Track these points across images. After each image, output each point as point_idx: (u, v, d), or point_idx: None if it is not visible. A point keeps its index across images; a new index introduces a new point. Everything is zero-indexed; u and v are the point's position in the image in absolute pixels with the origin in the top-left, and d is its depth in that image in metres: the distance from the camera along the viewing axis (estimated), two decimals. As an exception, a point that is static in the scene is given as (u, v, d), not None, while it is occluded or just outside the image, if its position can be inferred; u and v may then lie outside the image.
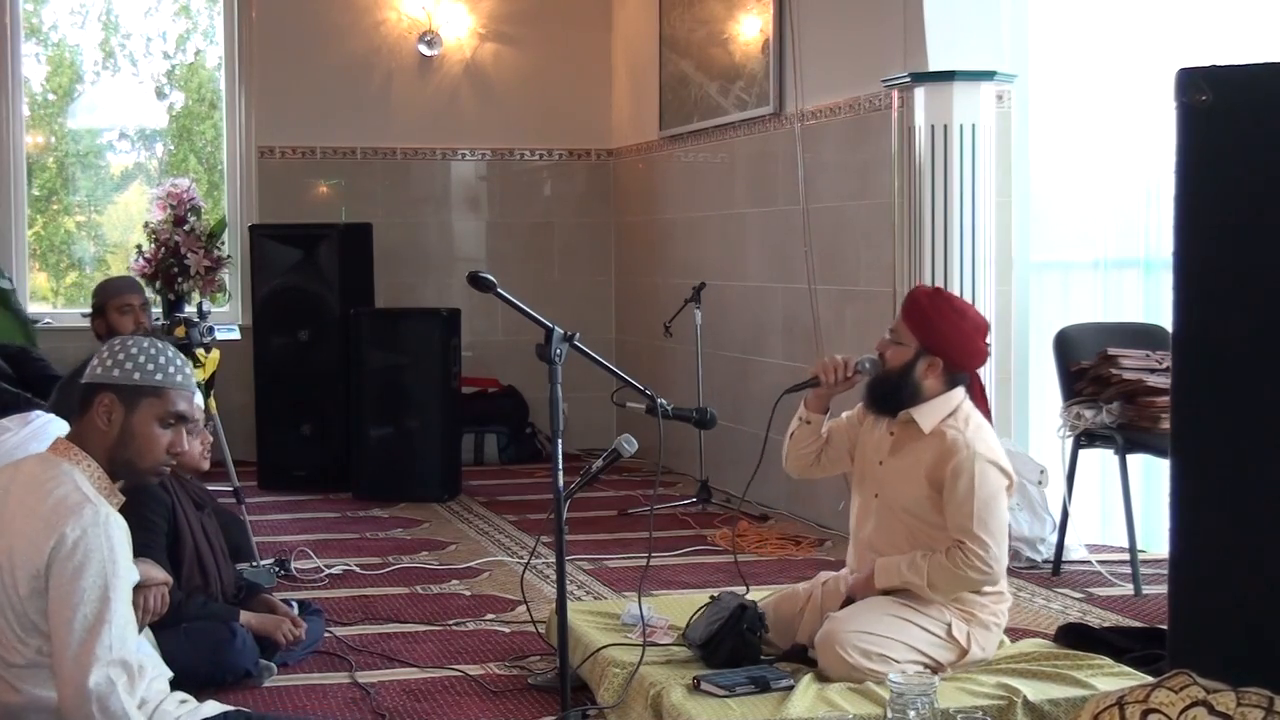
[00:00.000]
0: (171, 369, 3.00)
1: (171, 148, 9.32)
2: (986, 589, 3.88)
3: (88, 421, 2.98)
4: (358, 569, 5.78)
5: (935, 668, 3.77)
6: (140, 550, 3.52)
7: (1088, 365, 5.55)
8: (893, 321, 4.04)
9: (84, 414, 2.98)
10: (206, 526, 4.43)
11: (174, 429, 3.01)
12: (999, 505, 3.82)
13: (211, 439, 4.72)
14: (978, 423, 3.91)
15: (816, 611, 4.00)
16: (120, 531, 2.89)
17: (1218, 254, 2.78)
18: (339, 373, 7.69)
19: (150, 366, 2.97)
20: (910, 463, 3.91)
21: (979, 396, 4.02)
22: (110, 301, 5.73)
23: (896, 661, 3.70)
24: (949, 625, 3.84)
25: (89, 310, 6.07)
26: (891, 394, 3.93)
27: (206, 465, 4.48)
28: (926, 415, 3.90)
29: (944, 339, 3.91)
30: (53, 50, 9.07)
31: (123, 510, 3.02)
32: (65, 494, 2.87)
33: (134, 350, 2.98)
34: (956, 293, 5.72)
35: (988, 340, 4.05)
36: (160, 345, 3.02)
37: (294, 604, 4.61)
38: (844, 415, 4.15)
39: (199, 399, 4.51)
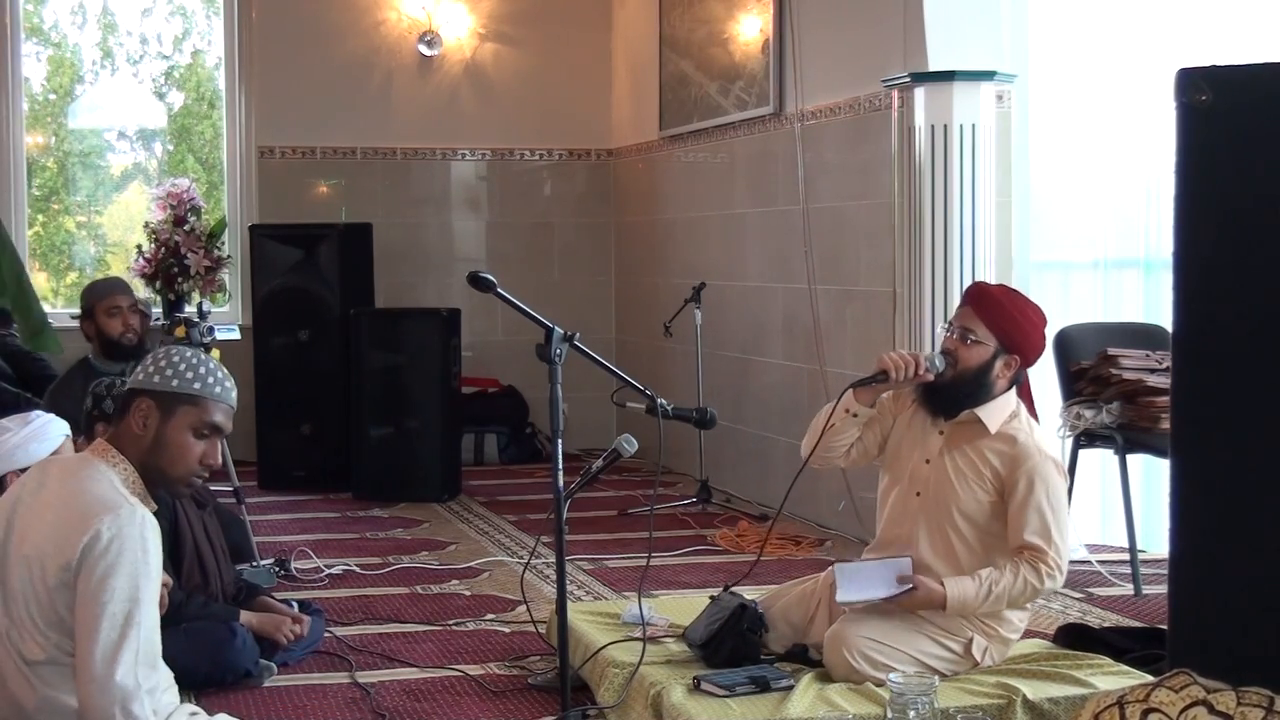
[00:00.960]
0: (211, 379, 3.02)
1: (171, 148, 9.32)
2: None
3: (125, 425, 3.00)
4: (358, 569, 5.78)
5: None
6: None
7: (1088, 365, 5.55)
8: (957, 319, 3.92)
9: (122, 417, 3.01)
10: (208, 526, 4.43)
11: (208, 440, 3.03)
12: (1063, 507, 3.81)
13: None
14: (1035, 424, 3.90)
15: (827, 615, 3.97)
16: (154, 534, 2.90)
17: (1218, 254, 2.77)
18: (339, 373, 7.69)
19: (190, 375, 3.00)
20: (970, 464, 3.84)
21: (1027, 393, 3.99)
22: (98, 304, 5.68)
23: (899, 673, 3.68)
24: (969, 641, 3.82)
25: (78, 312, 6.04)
26: (965, 395, 3.84)
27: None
28: (992, 416, 3.83)
29: (1025, 338, 3.87)
30: (53, 50, 9.08)
31: None
32: (102, 491, 2.90)
33: (176, 359, 3.02)
34: (957, 293, 5.74)
35: None
36: (203, 356, 3.07)
37: (293, 604, 4.61)
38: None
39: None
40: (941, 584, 3.74)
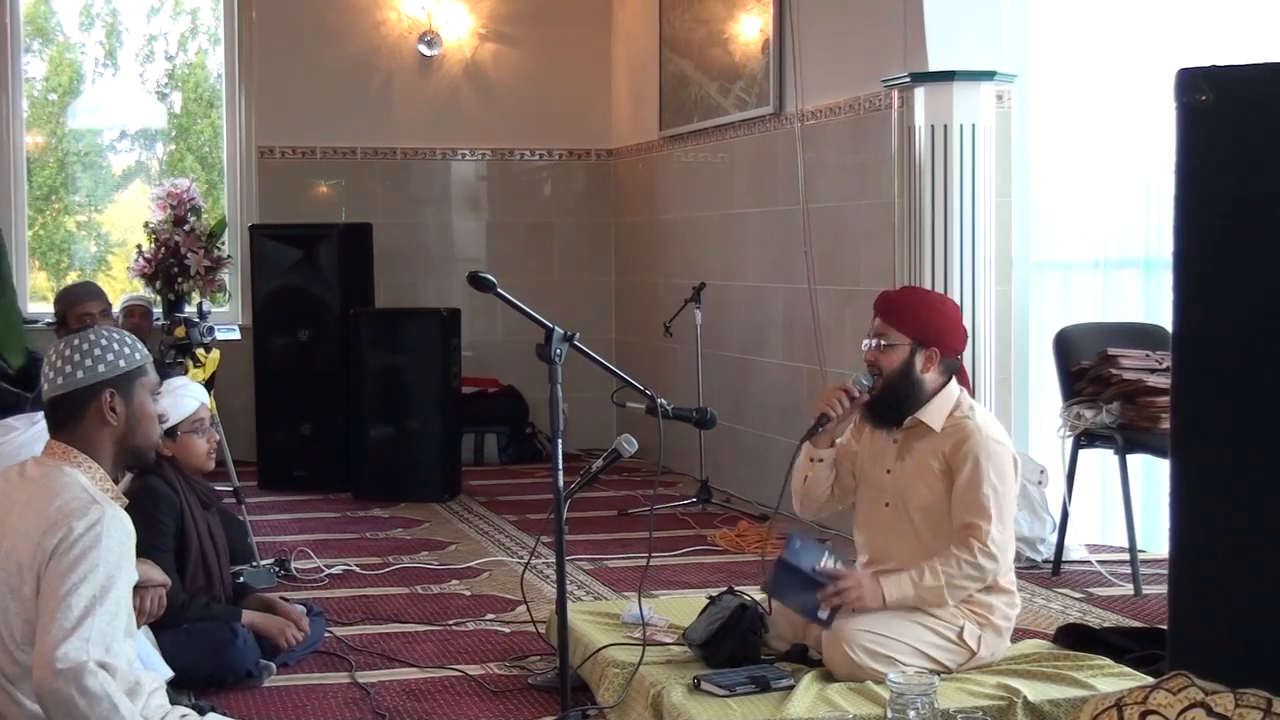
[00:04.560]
0: (138, 344, 3.07)
1: (171, 147, 9.32)
2: (1000, 589, 3.87)
3: (87, 425, 2.97)
4: (358, 569, 5.78)
5: (941, 671, 3.76)
6: (146, 550, 3.52)
7: (1088, 365, 5.55)
8: (870, 332, 3.98)
9: (78, 421, 2.98)
10: (212, 528, 4.43)
11: (156, 399, 3.11)
12: (1008, 489, 3.81)
13: (218, 438, 4.72)
14: (983, 410, 3.93)
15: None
16: (125, 535, 2.88)
17: (1218, 254, 2.78)
18: (339, 373, 7.69)
19: (126, 350, 3.02)
20: (921, 462, 3.88)
21: (965, 383, 4.03)
22: (70, 310, 5.70)
23: (902, 664, 3.68)
24: (961, 629, 3.82)
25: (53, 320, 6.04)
26: (899, 401, 3.89)
27: (211, 465, 4.49)
28: (934, 414, 3.88)
29: (934, 325, 3.93)
30: (54, 50, 9.08)
31: (131, 510, 3.02)
32: (73, 495, 2.87)
33: (103, 343, 3.00)
34: (956, 293, 5.75)
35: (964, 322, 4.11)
36: (113, 331, 3.07)
37: (300, 605, 4.60)
38: (839, 441, 4.12)
39: (206, 398, 4.53)
40: (878, 582, 3.78)
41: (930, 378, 3.89)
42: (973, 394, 4.05)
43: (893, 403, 3.90)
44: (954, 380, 3.94)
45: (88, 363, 2.97)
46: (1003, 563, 3.80)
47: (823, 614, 3.81)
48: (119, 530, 2.86)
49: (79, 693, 2.69)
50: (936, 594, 3.77)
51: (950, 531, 3.83)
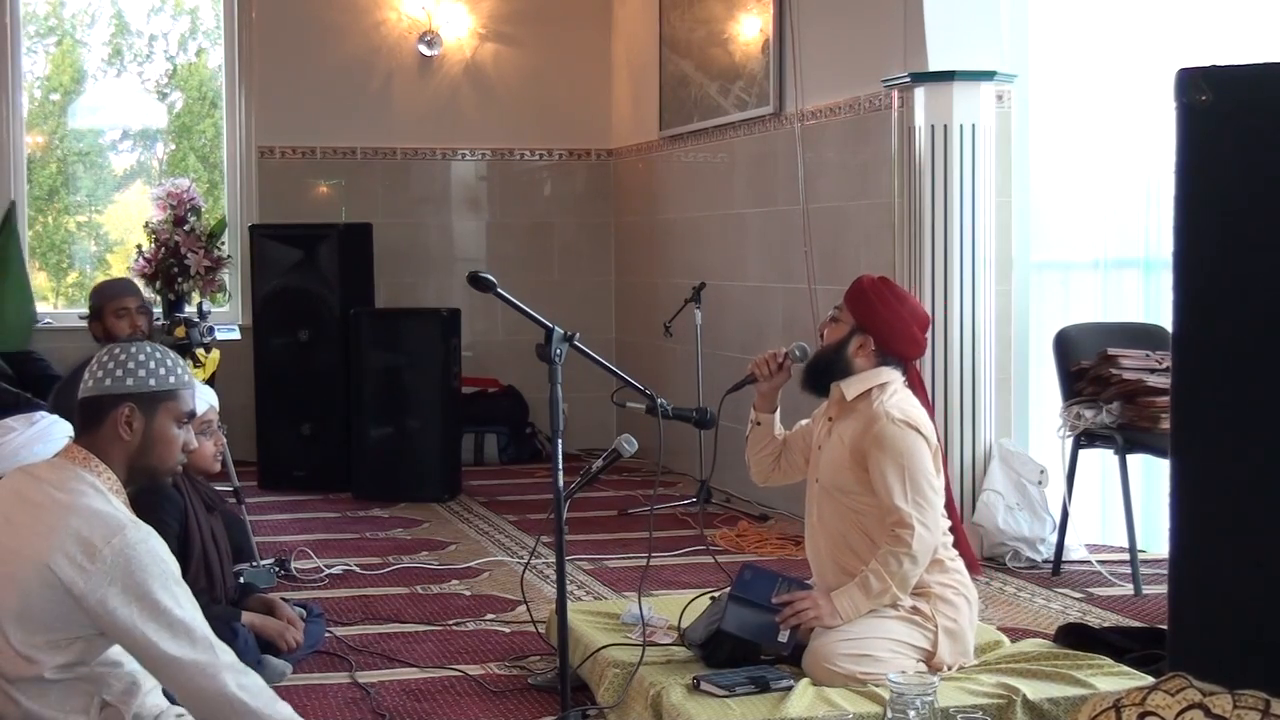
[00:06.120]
0: (179, 369, 3.03)
1: (172, 147, 9.32)
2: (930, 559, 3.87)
3: (104, 433, 2.95)
4: (358, 569, 5.78)
5: (923, 657, 3.80)
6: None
7: (1088, 365, 5.56)
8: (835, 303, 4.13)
9: (98, 426, 2.95)
10: (215, 530, 4.43)
11: (186, 428, 3.04)
12: (918, 466, 3.81)
13: (225, 440, 4.73)
14: (902, 394, 3.95)
15: None
16: (160, 542, 2.87)
17: (1218, 254, 2.77)
18: (339, 373, 7.69)
19: (161, 371, 2.98)
20: (837, 440, 3.96)
21: (918, 388, 4.08)
22: (107, 305, 5.71)
23: (881, 659, 3.72)
24: (913, 608, 3.86)
25: (86, 312, 6.08)
26: (824, 370, 4.01)
27: (217, 467, 4.50)
28: (852, 385, 3.95)
29: (879, 319, 3.98)
30: (55, 50, 9.08)
31: (135, 508, 3.01)
32: (99, 507, 2.84)
33: (141, 358, 2.97)
34: (957, 293, 5.76)
35: (926, 333, 4.12)
36: (161, 349, 3.03)
37: (303, 608, 4.60)
38: (802, 422, 4.19)
39: (215, 401, 4.53)
40: (832, 600, 3.83)
41: (860, 363, 3.96)
42: (929, 406, 4.10)
43: (815, 371, 4.04)
44: (889, 370, 3.96)
45: (118, 373, 2.95)
46: (928, 540, 3.79)
47: (782, 637, 3.84)
48: (157, 543, 2.85)
49: (233, 679, 2.83)
50: (889, 595, 3.81)
51: (868, 522, 3.88)
